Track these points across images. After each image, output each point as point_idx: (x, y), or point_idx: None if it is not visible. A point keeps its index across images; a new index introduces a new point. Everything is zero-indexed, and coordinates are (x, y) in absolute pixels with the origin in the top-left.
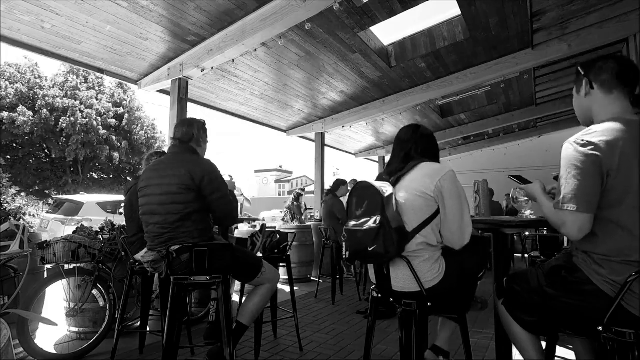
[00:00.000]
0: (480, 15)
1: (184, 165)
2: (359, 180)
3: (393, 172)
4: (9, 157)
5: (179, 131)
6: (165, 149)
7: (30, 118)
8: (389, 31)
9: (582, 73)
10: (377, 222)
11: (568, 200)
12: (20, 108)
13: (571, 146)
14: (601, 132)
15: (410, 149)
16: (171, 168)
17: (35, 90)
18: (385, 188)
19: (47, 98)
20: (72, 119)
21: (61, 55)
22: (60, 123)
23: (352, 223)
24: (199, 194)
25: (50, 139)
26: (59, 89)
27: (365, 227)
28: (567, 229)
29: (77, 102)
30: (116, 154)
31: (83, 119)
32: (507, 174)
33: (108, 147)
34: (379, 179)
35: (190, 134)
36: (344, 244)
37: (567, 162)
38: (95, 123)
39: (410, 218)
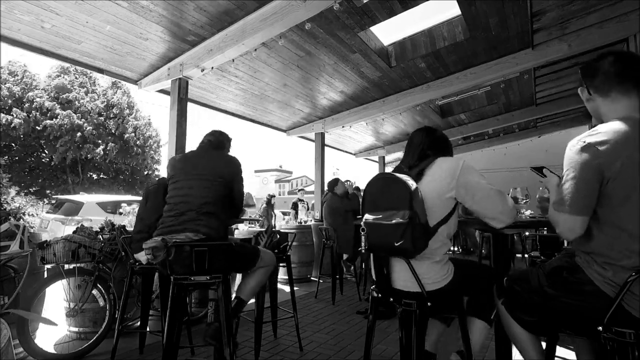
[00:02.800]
0: (480, 15)
1: (211, 156)
2: (353, 180)
3: (412, 166)
4: (7, 157)
5: (214, 138)
6: (165, 149)
7: (24, 120)
8: (389, 31)
9: (581, 77)
10: (407, 217)
11: (563, 202)
12: (15, 110)
13: (574, 147)
14: (605, 132)
15: (425, 150)
16: (200, 158)
17: (27, 93)
18: (410, 182)
19: (38, 99)
20: (64, 120)
21: (61, 55)
22: (52, 124)
23: (373, 217)
24: (224, 182)
25: (48, 140)
26: (51, 91)
27: (393, 221)
28: (560, 229)
29: (69, 103)
30: (101, 150)
31: (77, 120)
32: (507, 174)
33: (101, 148)
34: (397, 171)
35: (222, 143)
36: (362, 237)
37: (567, 163)
38: (80, 122)
39: (432, 214)
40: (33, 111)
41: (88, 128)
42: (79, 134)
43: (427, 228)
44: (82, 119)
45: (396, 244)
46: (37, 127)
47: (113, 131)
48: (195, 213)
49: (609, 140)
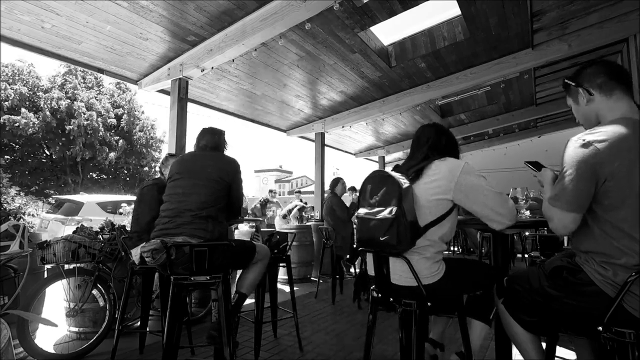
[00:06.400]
0: (480, 15)
1: (210, 157)
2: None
3: (412, 166)
4: (8, 157)
5: (208, 139)
6: (165, 149)
7: (32, 119)
8: (389, 31)
9: (574, 84)
10: (393, 213)
11: (558, 198)
12: (24, 111)
13: (573, 144)
14: (605, 132)
15: (433, 148)
16: (199, 159)
17: (36, 92)
18: (403, 180)
19: (49, 100)
20: (76, 120)
21: (61, 55)
22: (65, 124)
23: (365, 211)
24: (223, 183)
25: (53, 139)
26: (58, 90)
27: (380, 216)
28: (554, 225)
29: (80, 103)
30: (113, 154)
31: (85, 120)
32: (507, 174)
33: (107, 148)
34: (395, 170)
35: (217, 142)
36: (355, 230)
37: (566, 161)
38: (96, 124)
39: (424, 214)
40: (46, 110)
41: (102, 130)
42: (92, 133)
43: (414, 227)
44: (98, 118)
45: (381, 239)
46: (52, 125)
47: (126, 130)
48: (192, 216)
49: (609, 140)
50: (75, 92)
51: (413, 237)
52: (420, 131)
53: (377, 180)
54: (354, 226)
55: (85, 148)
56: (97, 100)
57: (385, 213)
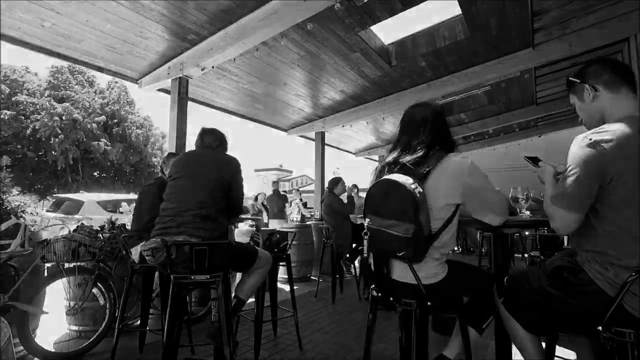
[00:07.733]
0: (480, 14)
1: (211, 156)
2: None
3: (418, 163)
4: (7, 156)
5: (211, 138)
6: (165, 149)
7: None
8: (390, 30)
9: (579, 81)
10: (410, 232)
11: (561, 197)
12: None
13: (579, 143)
14: (612, 132)
15: (432, 138)
16: (200, 157)
17: (26, 92)
18: (417, 190)
19: (37, 104)
20: (65, 118)
21: (61, 53)
22: (54, 122)
23: (377, 222)
24: (223, 182)
25: (49, 138)
26: (49, 86)
27: (395, 232)
28: (555, 224)
29: (70, 101)
30: (112, 150)
31: (78, 116)
32: (507, 173)
33: (103, 145)
34: (399, 167)
35: (220, 140)
36: (364, 240)
37: (571, 159)
38: (88, 122)
39: (434, 219)
40: (39, 111)
41: (95, 127)
42: (84, 131)
43: (429, 238)
44: (92, 115)
45: (398, 254)
46: (45, 123)
47: (121, 127)
48: (193, 215)
49: (615, 139)
50: (67, 90)
51: (427, 247)
52: (412, 112)
53: (388, 190)
54: (365, 238)
55: (79, 144)
56: (87, 95)
57: (402, 232)
